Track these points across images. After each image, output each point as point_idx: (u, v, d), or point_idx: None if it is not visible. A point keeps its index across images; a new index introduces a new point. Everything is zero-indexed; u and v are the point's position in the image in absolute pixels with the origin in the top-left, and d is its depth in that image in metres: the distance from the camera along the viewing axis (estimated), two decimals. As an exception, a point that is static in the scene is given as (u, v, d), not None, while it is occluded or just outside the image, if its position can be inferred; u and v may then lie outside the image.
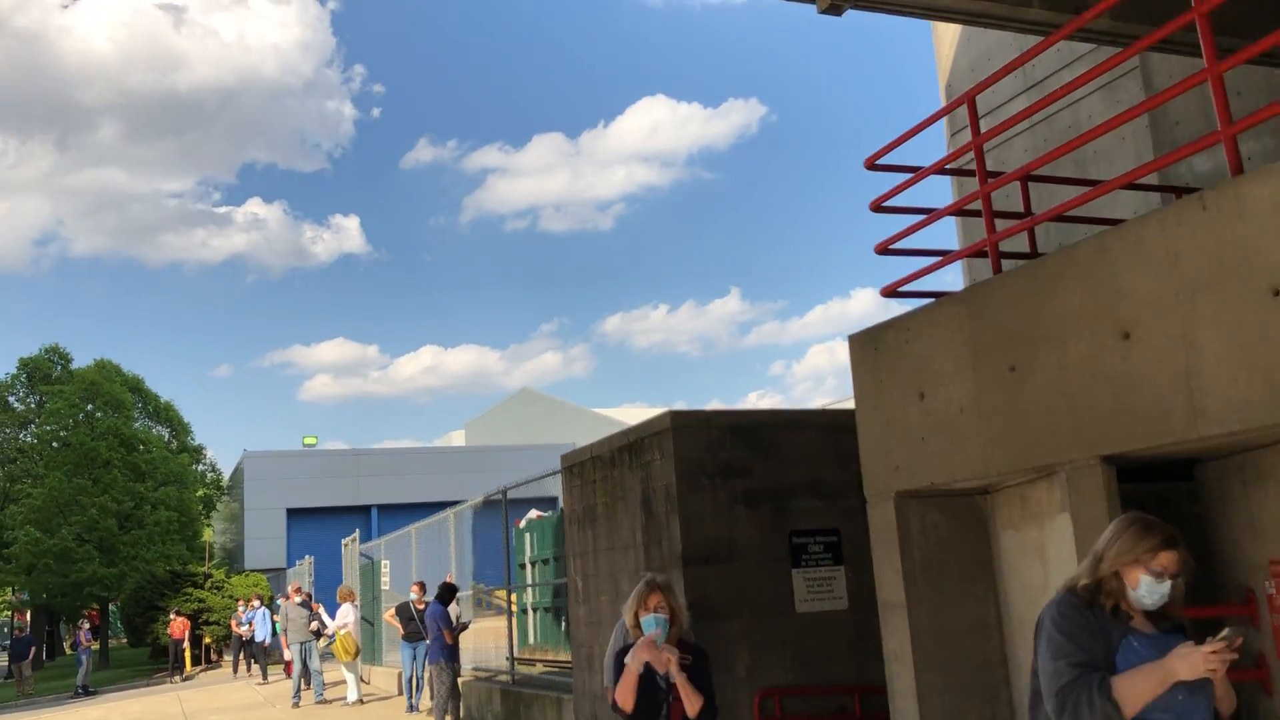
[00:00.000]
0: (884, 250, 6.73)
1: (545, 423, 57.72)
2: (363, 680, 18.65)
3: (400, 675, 17.93)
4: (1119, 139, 16.34)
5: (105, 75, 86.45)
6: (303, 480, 43.68)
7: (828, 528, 8.98)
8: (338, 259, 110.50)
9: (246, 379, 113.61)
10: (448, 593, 12.22)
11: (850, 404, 6.72)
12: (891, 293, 6.58)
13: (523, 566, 19.17)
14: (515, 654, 18.47)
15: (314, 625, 17.47)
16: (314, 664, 17.52)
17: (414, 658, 15.59)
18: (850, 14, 7.29)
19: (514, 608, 22.87)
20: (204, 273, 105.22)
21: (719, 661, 8.27)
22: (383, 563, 19.86)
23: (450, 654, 11.98)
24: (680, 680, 4.73)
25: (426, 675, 15.89)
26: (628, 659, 4.82)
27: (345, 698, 17.06)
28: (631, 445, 9.43)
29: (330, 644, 16.88)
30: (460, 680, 12.68)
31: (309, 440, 46.54)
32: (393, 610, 16.01)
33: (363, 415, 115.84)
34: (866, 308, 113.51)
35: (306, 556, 29.01)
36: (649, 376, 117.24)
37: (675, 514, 8.59)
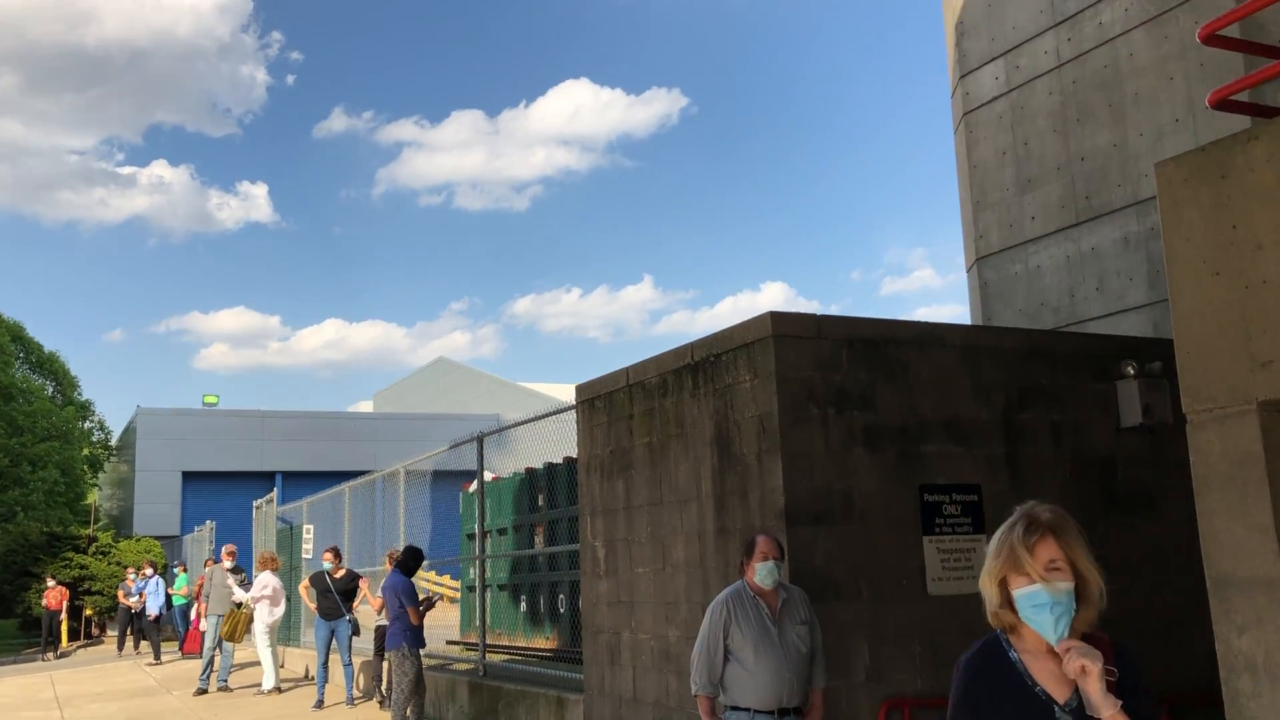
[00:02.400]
0: (1209, 39, 4.42)
1: (461, 395, 54.66)
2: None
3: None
4: (1166, 78, 14.31)
5: (7, 22, 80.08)
6: (202, 441, 40.08)
7: (966, 483, 6.71)
8: (244, 226, 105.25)
9: (140, 344, 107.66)
10: (413, 560, 9.65)
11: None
12: (1221, 102, 4.28)
13: (471, 537, 16.62)
14: (460, 638, 15.96)
15: (236, 597, 14.65)
16: (227, 643, 14.70)
17: (330, 638, 12.95)
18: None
19: (448, 591, 20.24)
20: (102, 233, 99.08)
21: (832, 659, 5.94)
22: (305, 528, 17.06)
23: (415, 637, 9.42)
24: (1108, 708, 2.34)
25: (357, 664, 13.30)
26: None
27: (260, 685, 14.30)
28: (698, 365, 7.02)
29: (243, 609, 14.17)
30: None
31: (210, 399, 42.84)
32: (307, 581, 13.40)
33: (261, 386, 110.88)
34: (775, 302, 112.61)
35: (207, 521, 25.91)
36: (558, 360, 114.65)
37: (776, 454, 6.21)
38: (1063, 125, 16.28)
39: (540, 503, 14.36)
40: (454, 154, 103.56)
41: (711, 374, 6.87)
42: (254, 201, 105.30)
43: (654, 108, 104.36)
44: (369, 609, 13.03)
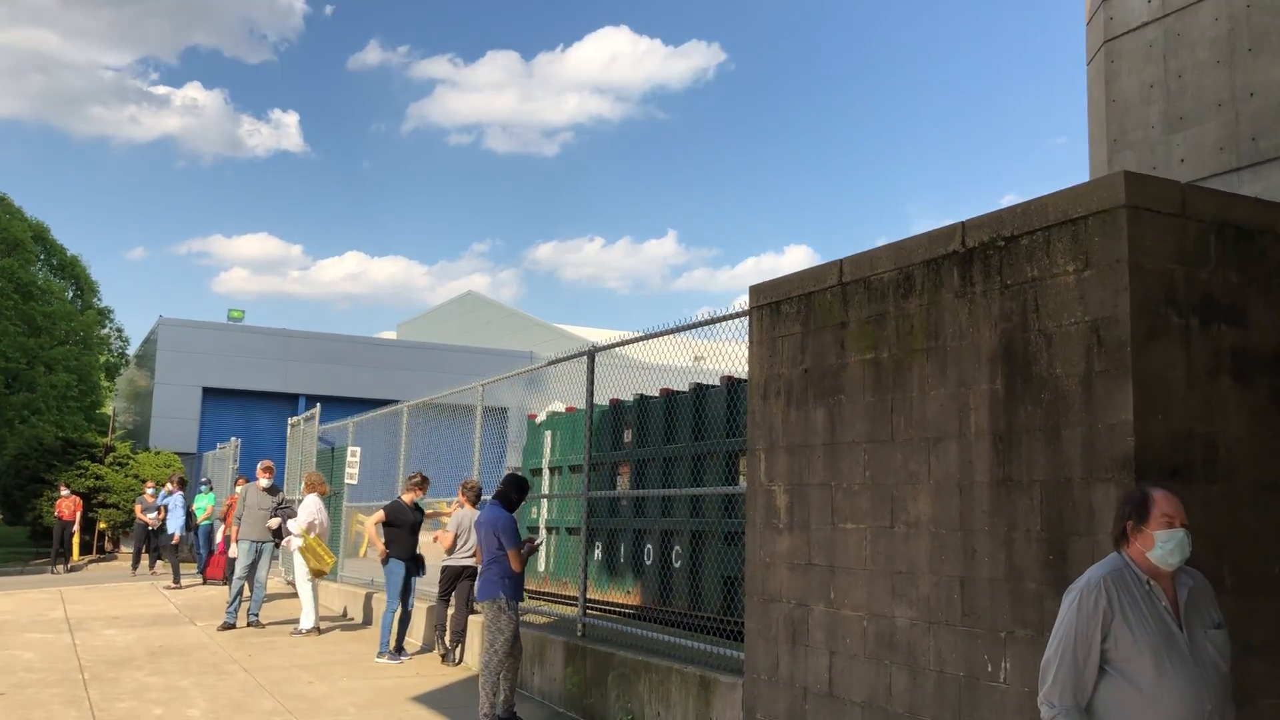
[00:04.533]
0: None
1: (488, 331, 52.76)
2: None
3: (367, 597, 13.54)
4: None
5: (47, -67, 77.95)
6: (224, 357, 38.33)
7: (1351, 437, 4.80)
8: (273, 154, 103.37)
9: (160, 264, 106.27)
10: (516, 492, 7.80)
11: None
12: None
13: (536, 473, 14.84)
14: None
15: (274, 522, 12.85)
16: (261, 574, 12.98)
17: (405, 579, 11.07)
18: None
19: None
20: (131, 151, 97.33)
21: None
22: (350, 450, 15.29)
23: (515, 587, 7.63)
24: None
25: (423, 609, 11.56)
26: None
27: (298, 623, 12.60)
28: (972, 252, 5.11)
29: (298, 547, 12.24)
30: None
31: (235, 314, 41.02)
32: (380, 515, 11.28)
33: (280, 312, 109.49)
34: (799, 264, 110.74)
35: (233, 439, 24.23)
36: (576, 308, 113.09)
37: (1124, 376, 4.32)
38: (1229, 55, 14.13)
39: (627, 439, 12.55)
40: (486, 94, 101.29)
41: (999, 264, 4.97)
42: (285, 130, 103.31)
43: (692, 60, 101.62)
44: (434, 546, 11.29)
